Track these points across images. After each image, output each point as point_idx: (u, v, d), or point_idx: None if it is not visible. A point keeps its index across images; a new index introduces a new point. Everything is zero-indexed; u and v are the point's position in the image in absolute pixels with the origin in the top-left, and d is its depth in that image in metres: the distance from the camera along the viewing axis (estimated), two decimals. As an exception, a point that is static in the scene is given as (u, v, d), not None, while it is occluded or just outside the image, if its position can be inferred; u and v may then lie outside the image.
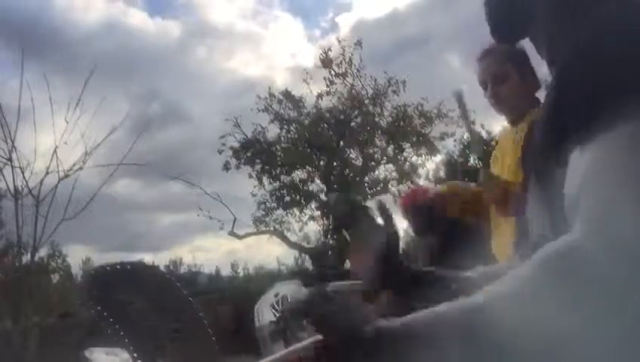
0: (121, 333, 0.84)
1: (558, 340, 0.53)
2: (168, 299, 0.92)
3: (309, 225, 16.12)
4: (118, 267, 0.89)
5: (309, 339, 0.68)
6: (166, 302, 0.92)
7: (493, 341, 0.55)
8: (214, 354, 1.01)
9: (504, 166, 2.08)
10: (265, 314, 1.40)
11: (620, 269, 0.52)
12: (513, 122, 2.09)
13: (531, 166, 0.76)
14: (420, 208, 2.54)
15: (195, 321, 0.93)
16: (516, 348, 0.54)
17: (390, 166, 16.22)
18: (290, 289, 1.46)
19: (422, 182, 15.56)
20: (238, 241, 16.43)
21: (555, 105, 0.66)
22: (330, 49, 15.70)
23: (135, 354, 0.84)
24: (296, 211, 16.10)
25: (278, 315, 1.36)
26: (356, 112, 15.84)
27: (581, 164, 0.59)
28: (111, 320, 0.84)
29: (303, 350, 0.68)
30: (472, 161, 14.21)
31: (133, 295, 0.88)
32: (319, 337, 0.67)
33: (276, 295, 1.45)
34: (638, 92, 0.58)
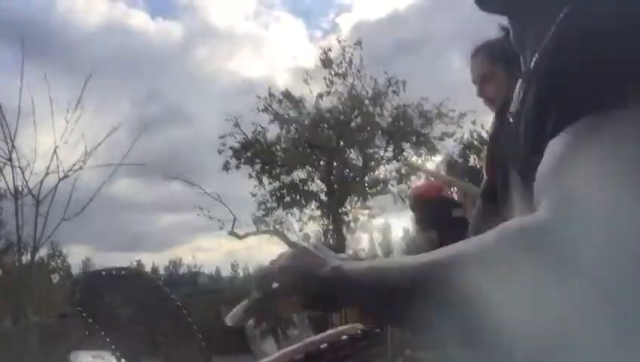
0: (107, 339, 0.84)
1: (506, 309, 0.54)
2: (155, 304, 0.92)
3: (309, 225, 16.15)
4: (104, 273, 0.89)
5: (301, 342, 0.69)
6: (152, 307, 0.92)
7: (444, 298, 0.56)
8: (204, 358, 1.00)
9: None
10: None
11: (582, 249, 0.52)
12: None
13: (501, 161, 0.77)
14: (431, 202, 2.54)
15: (184, 325, 0.93)
16: (465, 309, 0.55)
17: (390, 166, 16.24)
18: None
19: (421, 182, 15.55)
20: (238, 241, 16.46)
21: (531, 97, 0.66)
22: (330, 49, 15.72)
23: (123, 360, 0.84)
24: (296, 211, 16.12)
25: None
26: (356, 112, 15.84)
27: (551, 149, 0.59)
28: (97, 326, 0.84)
29: (294, 353, 0.68)
30: (472, 161, 14.21)
31: (118, 300, 0.88)
32: (312, 339, 0.68)
33: None
34: (616, 81, 0.58)
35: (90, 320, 0.85)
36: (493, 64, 2.02)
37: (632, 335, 0.52)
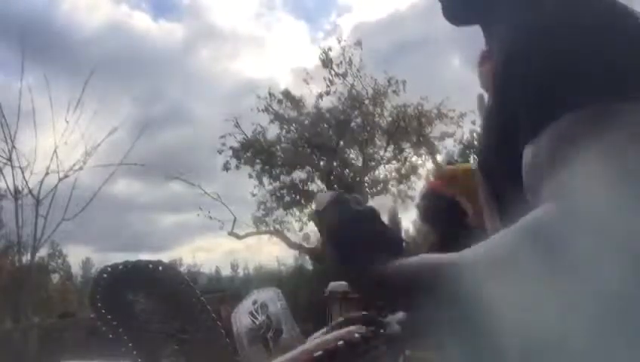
0: (125, 337, 0.83)
1: (526, 309, 0.54)
2: (179, 301, 0.90)
3: (308, 225, 16.13)
4: (120, 267, 0.87)
5: (317, 340, 0.69)
6: (176, 304, 0.90)
7: (460, 301, 0.56)
8: (229, 359, 0.98)
9: None
10: (243, 320, 1.41)
11: (592, 245, 0.52)
12: None
13: (481, 164, 0.77)
14: (444, 198, 2.50)
15: (208, 324, 0.91)
16: (483, 311, 0.54)
17: (390, 166, 16.24)
18: (268, 296, 1.47)
19: (421, 182, 15.55)
20: (238, 241, 16.45)
21: (504, 99, 0.66)
22: (330, 49, 15.72)
23: (140, 360, 0.83)
24: (296, 211, 16.11)
25: (257, 322, 1.38)
26: (356, 112, 15.83)
27: (539, 146, 0.59)
28: (114, 323, 0.83)
29: (313, 351, 0.69)
30: (472, 161, 14.20)
31: (140, 296, 0.87)
32: (328, 338, 0.68)
33: (254, 302, 1.45)
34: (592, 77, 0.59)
35: (109, 317, 0.84)
36: None
37: (634, 333, 0.52)
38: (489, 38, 0.78)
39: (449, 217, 2.56)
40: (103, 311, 0.82)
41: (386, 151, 16.21)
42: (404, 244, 0.72)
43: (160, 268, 0.87)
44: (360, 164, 16.22)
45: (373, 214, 0.71)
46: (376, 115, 15.82)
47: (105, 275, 0.83)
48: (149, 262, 0.88)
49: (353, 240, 0.67)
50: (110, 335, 0.82)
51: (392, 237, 0.70)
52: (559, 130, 0.58)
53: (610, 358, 0.53)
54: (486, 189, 0.75)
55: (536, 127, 0.59)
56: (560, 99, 0.59)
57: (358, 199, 0.72)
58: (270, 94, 15.89)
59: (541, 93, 0.60)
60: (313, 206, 0.75)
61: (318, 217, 0.72)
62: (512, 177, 0.63)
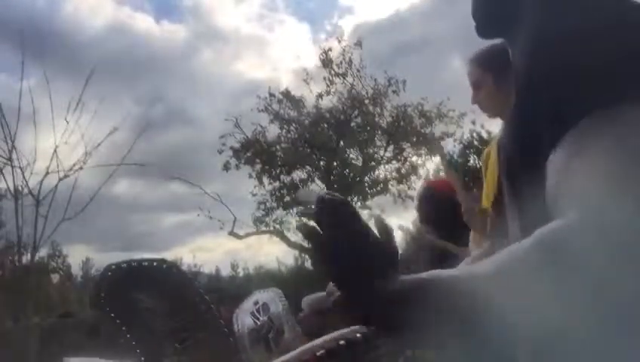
0: (128, 335, 0.83)
1: (547, 322, 0.54)
2: (182, 300, 0.90)
3: (308, 225, 16.07)
4: (124, 265, 0.87)
5: (322, 338, 0.70)
6: (179, 303, 0.90)
7: (479, 314, 0.54)
8: (231, 358, 0.98)
9: (490, 175, 2.10)
10: (245, 321, 1.41)
11: (612, 256, 0.52)
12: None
13: (506, 172, 0.78)
14: (445, 200, 2.48)
15: (211, 323, 0.91)
16: (505, 323, 0.54)
17: (390, 166, 16.24)
18: (270, 297, 1.47)
19: (421, 182, 15.54)
20: (238, 241, 16.45)
21: (524, 108, 0.67)
22: (330, 49, 15.71)
23: (143, 358, 0.83)
24: (296, 211, 16.10)
25: (259, 322, 1.38)
26: (356, 112, 15.83)
27: (562, 155, 0.60)
28: (118, 321, 0.84)
29: (315, 350, 0.69)
30: (472, 161, 14.20)
31: (144, 295, 0.87)
32: (334, 336, 0.68)
33: (256, 303, 1.46)
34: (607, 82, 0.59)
35: (113, 315, 0.84)
36: (483, 73, 2.08)
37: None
38: (513, 52, 0.80)
39: (449, 217, 2.55)
40: (107, 309, 0.82)
41: (386, 151, 16.23)
42: (399, 255, 0.65)
43: (164, 266, 0.87)
44: (360, 164, 16.21)
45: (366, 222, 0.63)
46: (376, 115, 15.82)
47: (109, 274, 0.83)
48: (153, 260, 0.88)
49: (353, 251, 0.60)
50: (114, 333, 0.82)
51: (388, 248, 0.64)
52: (576, 138, 0.59)
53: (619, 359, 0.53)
54: (510, 195, 0.76)
55: (556, 133, 0.60)
56: (577, 107, 0.59)
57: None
58: (270, 94, 15.91)
59: (559, 103, 0.61)
60: (299, 203, 0.71)
61: (308, 216, 0.64)
62: (534, 184, 0.63)
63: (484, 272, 0.59)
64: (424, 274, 0.60)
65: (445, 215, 2.55)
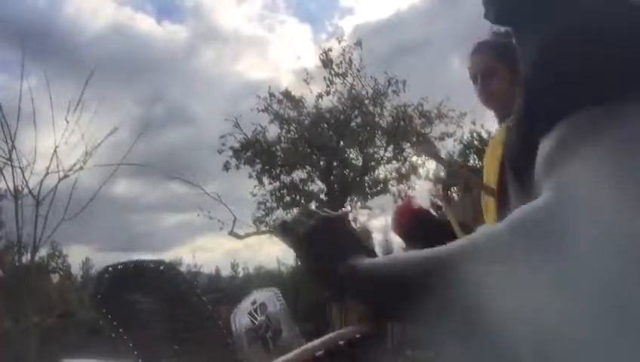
0: (126, 337, 0.83)
1: (519, 300, 0.54)
2: (181, 301, 0.90)
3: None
4: (122, 267, 0.87)
5: (321, 338, 0.70)
6: (177, 305, 0.90)
7: (451, 292, 0.56)
8: (230, 359, 0.98)
9: (491, 165, 2.08)
10: (242, 321, 1.41)
11: (590, 235, 0.53)
12: (502, 118, 2.09)
13: (509, 161, 0.78)
14: (420, 222, 2.31)
15: (209, 324, 0.91)
16: (475, 303, 0.55)
17: (390, 166, 16.24)
18: (267, 297, 1.47)
19: (421, 182, 15.54)
20: (238, 241, 16.45)
21: (525, 96, 0.68)
22: (330, 49, 15.72)
23: (140, 360, 0.83)
24: (296, 211, 16.07)
25: (257, 322, 1.38)
26: (356, 112, 15.83)
27: (550, 141, 0.60)
28: (115, 322, 0.83)
29: (314, 350, 0.69)
30: (472, 161, 14.21)
31: (142, 296, 0.87)
32: (332, 336, 0.69)
33: (253, 302, 1.46)
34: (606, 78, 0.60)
35: (110, 316, 0.84)
36: (497, 60, 2.00)
37: (632, 326, 0.52)
38: (519, 42, 0.79)
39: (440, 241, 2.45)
40: (105, 310, 0.82)
41: (386, 151, 16.23)
42: (375, 252, 0.74)
43: (161, 268, 0.88)
44: (360, 164, 16.21)
45: (343, 218, 0.77)
46: (376, 115, 15.82)
47: (107, 275, 0.83)
48: (151, 261, 0.88)
49: (326, 240, 0.73)
50: (112, 335, 0.82)
51: (363, 243, 0.74)
52: (568, 127, 0.59)
53: (609, 350, 0.53)
54: (515, 187, 0.76)
55: (549, 123, 0.61)
56: (574, 97, 0.60)
57: (325, 210, 0.79)
58: (270, 94, 15.91)
59: (558, 92, 0.62)
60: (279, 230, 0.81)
61: (284, 233, 0.78)
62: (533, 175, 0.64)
63: (448, 246, 0.62)
64: (397, 253, 0.67)
65: (434, 241, 2.45)
